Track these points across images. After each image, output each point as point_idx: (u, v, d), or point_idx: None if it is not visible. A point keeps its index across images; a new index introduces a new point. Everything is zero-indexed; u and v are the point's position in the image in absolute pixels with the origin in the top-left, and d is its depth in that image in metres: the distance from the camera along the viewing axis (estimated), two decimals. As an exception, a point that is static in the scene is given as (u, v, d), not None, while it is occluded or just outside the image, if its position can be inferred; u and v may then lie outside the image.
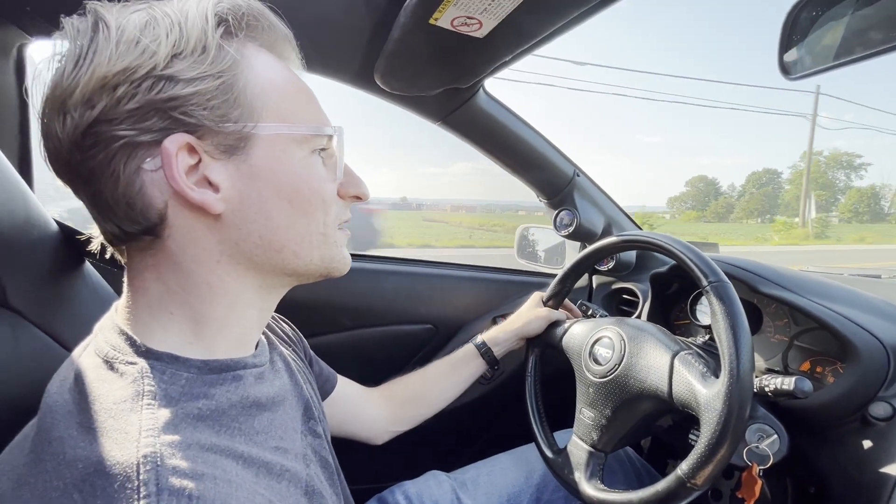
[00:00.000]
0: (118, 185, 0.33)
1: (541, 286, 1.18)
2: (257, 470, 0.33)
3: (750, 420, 0.65)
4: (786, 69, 0.51)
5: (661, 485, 0.54)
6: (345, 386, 0.69)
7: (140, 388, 0.31)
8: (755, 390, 0.57)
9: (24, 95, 0.67)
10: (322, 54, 0.70)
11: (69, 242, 0.60)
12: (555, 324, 0.80)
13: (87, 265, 0.64)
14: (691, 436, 0.68)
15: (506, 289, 1.17)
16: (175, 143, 0.32)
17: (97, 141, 0.32)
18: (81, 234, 0.60)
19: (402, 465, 0.88)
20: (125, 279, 0.38)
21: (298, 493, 0.37)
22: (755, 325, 0.78)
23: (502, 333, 0.80)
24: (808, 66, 0.48)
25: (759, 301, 0.79)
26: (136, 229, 0.34)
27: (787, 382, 0.55)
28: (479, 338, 0.80)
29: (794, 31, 0.48)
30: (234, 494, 0.29)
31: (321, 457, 0.45)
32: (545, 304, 0.83)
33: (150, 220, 0.34)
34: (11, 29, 0.60)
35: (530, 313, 0.81)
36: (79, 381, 0.32)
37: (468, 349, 0.80)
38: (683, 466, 0.52)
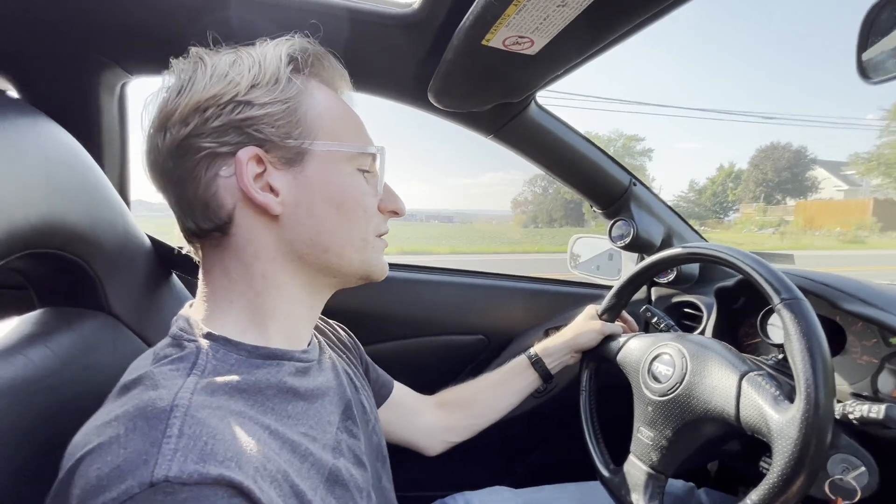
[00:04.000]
0: (199, 187, 0.40)
1: (595, 298, 1.15)
2: (282, 444, 0.37)
3: (833, 449, 0.59)
4: (865, 72, 0.46)
5: None
6: (401, 392, 0.71)
7: (193, 360, 0.37)
8: (838, 417, 0.53)
9: (125, 126, 0.77)
10: (379, 77, 0.74)
11: (160, 256, 0.67)
12: (610, 337, 0.78)
13: (174, 277, 0.71)
14: (762, 463, 0.63)
15: (558, 300, 1.15)
16: (247, 153, 0.39)
17: (187, 151, 0.39)
18: (171, 248, 0.67)
19: (458, 475, 0.89)
20: (199, 275, 0.44)
21: (319, 478, 0.39)
22: (838, 346, 0.72)
23: (553, 344, 0.79)
24: (891, 68, 0.44)
25: (842, 319, 0.72)
26: (209, 226, 0.41)
27: (876, 410, 0.50)
28: (532, 349, 0.80)
29: (873, 32, 0.44)
30: (245, 454, 0.32)
31: (355, 455, 0.47)
32: (600, 317, 0.81)
33: (221, 219, 0.40)
34: (117, 70, 0.69)
35: (583, 325, 0.80)
36: (152, 356, 0.38)
37: (520, 360, 0.79)
38: (754, 497, 0.49)
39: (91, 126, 0.71)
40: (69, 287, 0.55)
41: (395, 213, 0.49)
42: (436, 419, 0.73)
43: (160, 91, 0.41)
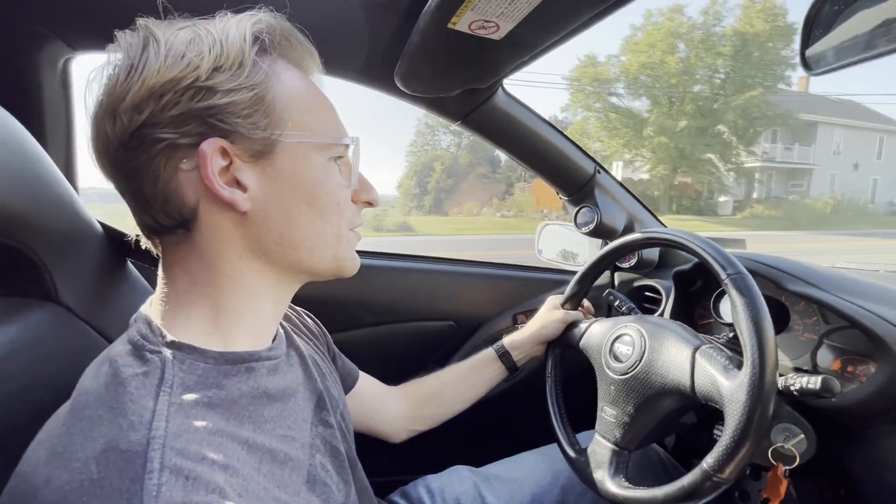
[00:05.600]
0: (157, 181, 0.36)
1: (561, 283, 1.18)
2: (261, 456, 0.36)
3: (776, 420, 0.64)
4: (808, 64, 0.50)
5: (687, 479, 0.54)
6: (366, 382, 0.70)
7: (160, 376, 0.34)
8: (780, 388, 0.57)
9: (70, 106, 0.72)
10: (344, 59, 0.72)
11: (113, 243, 0.64)
12: (573, 325, 0.80)
13: (129, 264, 0.68)
14: (716, 431, 0.67)
15: (526, 286, 1.17)
16: (211, 146, 0.36)
17: (142, 142, 0.35)
18: (125, 234, 0.64)
19: (426, 458, 0.90)
20: (159, 273, 0.41)
21: (300, 480, 0.39)
22: (782, 324, 0.77)
23: (520, 337, 0.81)
24: (832, 61, 0.47)
25: (787, 299, 0.77)
26: (170, 223, 0.38)
27: (814, 381, 0.54)
28: (499, 342, 0.81)
29: (816, 26, 0.47)
30: (228, 480, 0.31)
31: (331, 446, 0.47)
32: (563, 306, 0.83)
33: (183, 215, 0.38)
34: (59, 44, 0.64)
35: (546, 317, 0.82)
36: (111, 367, 0.35)
37: (487, 353, 0.80)
38: (709, 460, 0.52)
39: (32, 105, 0.66)
40: (12, 275, 0.52)
41: (370, 204, 0.47)
42: (401, 409, 0.74)
43: (104, 67, 0.37)
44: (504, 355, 0.79)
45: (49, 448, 0.32)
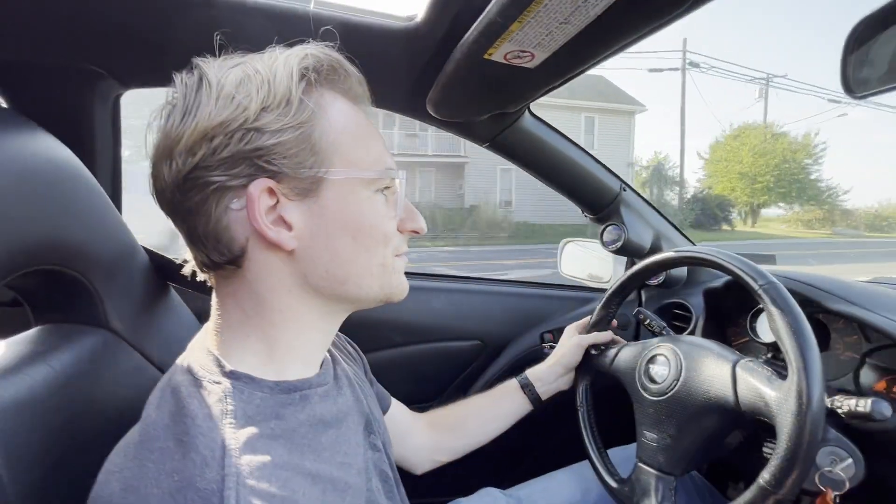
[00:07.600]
0: (209, 221, 0.38)
1: (587, 301, 1.18)
2: (324, 486, 0.36)
3: (822, 443, 0.62)
4: (850, 87, 0.50)
5: (744, 498, 0.52)
6: (396, 409, 0.70)
7: (224, 407, 0.35)
8: (827, 410, 0.55)
9: (118, 137, 0.75)
10: (378, 90, 0.74)
11: (156, 267, 0.66)
12: (604, 351, 0.79)
13: (172, 290, 0.70)
14: (766, 449, 0.65)
15: (553, 304, 1.17)
16: (258, 187, 0.37)
17: (195, 185, 0.37)
18: (168, 259, 0.66)
19: (454, 481, 0.89)
20: (213, 304, 0.42)
21: None
22: (822, 343, 0.75)
23: (542, 369, 0.80)
24: (873, 84, 0.48)
25: (825, 317, 0.75)
26: (222, 260, 0.39)
27: (864, 404, 0.53)
28: (524, 373, 0.81)
29: (856, 50, 0.48)
30: None
31: (381, 470, 0.47)
32: (589, 331, 0.82)
33: (234, 253, 0.39)
34: (111, 82, 0.68)
35: (565, 344, 0.81)
36: (175, 397, 0.36)
37: (510, 383, 0.80)
38: (765, 475, 0.50)
39: (84, 138, 0.70)
40: (68, 303, 0.54)
41: (416, 232, 0.48)
42: (426, 439, 0.73)
43: (163, 110, 0.38)
44: (527, 386, 0.78)
45: (122, 480, 0.33)
